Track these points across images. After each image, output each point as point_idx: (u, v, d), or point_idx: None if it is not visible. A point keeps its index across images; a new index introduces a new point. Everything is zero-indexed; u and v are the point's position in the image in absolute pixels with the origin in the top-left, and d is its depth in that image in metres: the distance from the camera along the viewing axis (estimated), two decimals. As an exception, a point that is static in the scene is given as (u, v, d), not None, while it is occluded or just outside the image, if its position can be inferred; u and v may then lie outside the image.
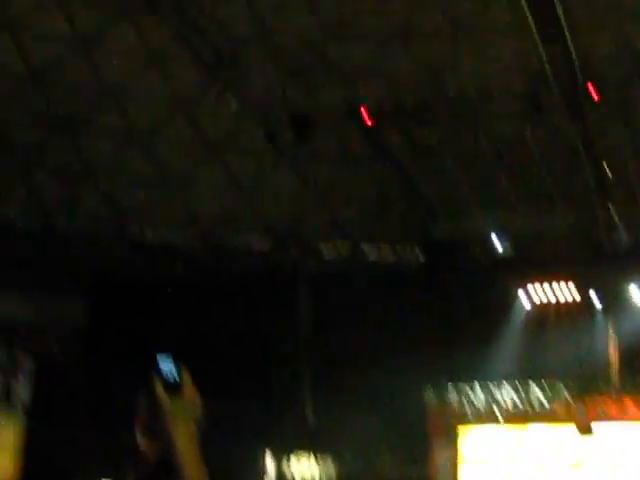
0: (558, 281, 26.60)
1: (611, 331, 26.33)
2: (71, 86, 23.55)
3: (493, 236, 26.05)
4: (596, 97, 19.32)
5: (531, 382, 25.78)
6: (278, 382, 25.69)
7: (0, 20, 22.18)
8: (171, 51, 23.40)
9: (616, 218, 25.19)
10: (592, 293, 26.58)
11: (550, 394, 25.87)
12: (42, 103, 23.33)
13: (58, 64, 23.47)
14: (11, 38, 22.38)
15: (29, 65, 23.19)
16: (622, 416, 25.77)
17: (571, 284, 26.72)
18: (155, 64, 24.07)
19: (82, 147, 24.45)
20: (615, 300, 26.48)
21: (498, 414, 26.31)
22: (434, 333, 25.37)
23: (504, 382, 25.85)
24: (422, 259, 26.99)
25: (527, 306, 26.79)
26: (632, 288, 26.53)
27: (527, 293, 26.32)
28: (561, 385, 25.75)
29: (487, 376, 25.58)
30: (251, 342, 25.37)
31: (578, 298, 26.78)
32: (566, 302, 26.87)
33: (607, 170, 22.87)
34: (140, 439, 4.09)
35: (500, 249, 26.40)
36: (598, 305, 26.66)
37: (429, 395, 26.53)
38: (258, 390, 25.08)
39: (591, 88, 19.25)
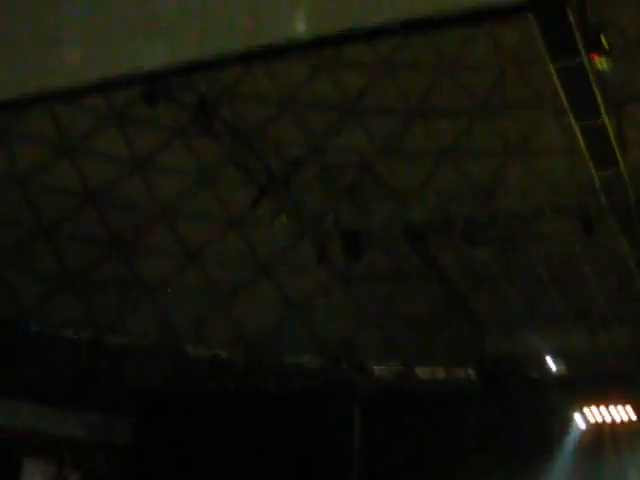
0: (614, 402, 26.03)
1: None
2: (127, 205, 24.11)
3: (547, 356, 25.68)
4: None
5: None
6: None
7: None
8: (224, 171, 23.87)
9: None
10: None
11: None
12: (98, 223, 23.87)
13: (115, 184, 24.10)
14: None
15: (87, 185, 23.83)
16: None
17: (628, 405, 26.14)
18: (209, 183, 24.61)
19: (136, 264, 24.83)
20: None
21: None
22: (488, 454, 24.84)
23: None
24: (475, 379, 26.66)
25: (582, 427, 26.17)
26: None
27: (583, 414, 25.73)
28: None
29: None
30: (299, 463, 24.99)
31: (634, 418, 26.17)
32: (622, 423, 26.24)
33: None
34: None
35: (554, 368, 26.00)
36: None
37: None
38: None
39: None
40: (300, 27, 6.12)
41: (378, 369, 26.86)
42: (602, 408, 25.70)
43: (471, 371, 26.83)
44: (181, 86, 18.20)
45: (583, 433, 26.36)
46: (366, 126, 25.09)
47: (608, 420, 26.06)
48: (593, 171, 17.40)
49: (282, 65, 23.21)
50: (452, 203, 24.18)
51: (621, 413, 26.12)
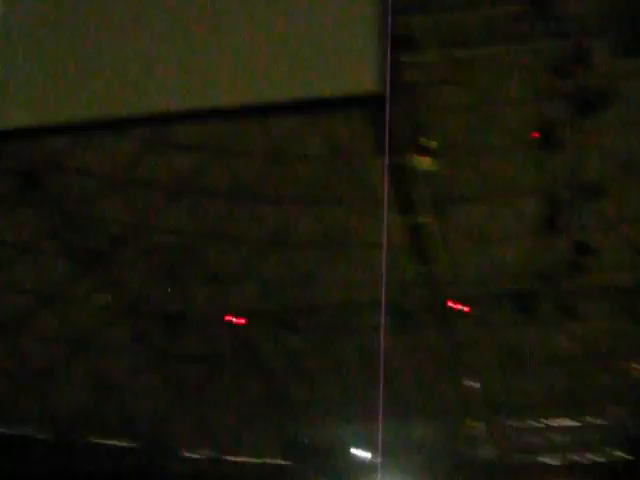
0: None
1: None
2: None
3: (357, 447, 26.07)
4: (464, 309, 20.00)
5: None
6: None
7: None
8: (43, 244, 23.20)
9: (480, 433, 25.58)
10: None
11: None
12: None
13: None
14: None
15: None
16: None
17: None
18: (27, 255, 23.82)
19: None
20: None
21: None
22: None
23: None
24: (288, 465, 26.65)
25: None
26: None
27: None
28: None
29: None
30: None
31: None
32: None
33: (472, 384, 23.38)
34: None
35: (363, 458, 26.34)
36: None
37: None
38: None
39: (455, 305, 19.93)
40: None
41: (190, 454, 26.42)
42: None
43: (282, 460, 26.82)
44: (6, 153, 17.73)
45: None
46: (191, 208, 24.98)
47: None
48: (413, 266, 17.96)
49: (112, 139, 22.89)
50: (273, 291, 24.31)
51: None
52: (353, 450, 26.46)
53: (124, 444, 25.47)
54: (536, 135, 15.04)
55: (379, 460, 23.42)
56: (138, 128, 22.60)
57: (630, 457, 26.40)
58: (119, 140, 23.09)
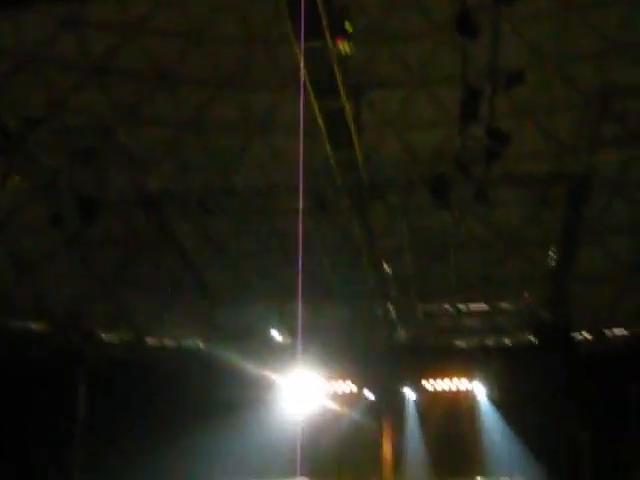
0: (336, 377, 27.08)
1: (385, 427, 26.96)
2: None
3: (272, 328, 26.50)
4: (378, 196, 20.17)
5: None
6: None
7: None
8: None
9: (394, 316, 26.12)
10: (367, 389, 27.22)
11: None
12: None
13: None
14: None
15: None
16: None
17: (348, 380, 27.25)
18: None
19: None
20: (390, 396, 27.21)
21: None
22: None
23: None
24: (204, 347, 26.99)
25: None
26: (406, 385, 27.44)
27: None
28: None
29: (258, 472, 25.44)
30: (23, 425, 24.34)
31: (355, 392, 27.34)
32: (344, 396, 27.31)
33: (387, 269, 23.75)
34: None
35: (279, 339, 26.81)
36: (373, 400, 27.27)
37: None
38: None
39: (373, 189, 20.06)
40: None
41: (107, 337, 26.54)
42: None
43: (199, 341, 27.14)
44: None
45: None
46: (107, 89, 24.52)
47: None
48: (330, 152, 17.97)
49: (27, 19, 22.20)
50: (191, 173, 24.21)
51: (343, 386, 27.13)
52: (271, 331, 26.87)
53: (40, 327, 25.43)
54: (455, 21, 14.97)
55: (297, 340, 23.88)
56: (53, 6, 22.01)
57: (538, 341, 27.29)
58: (33, 19, 22.44)
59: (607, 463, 24.65)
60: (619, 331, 26.36)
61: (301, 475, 24.13)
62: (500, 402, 26.85)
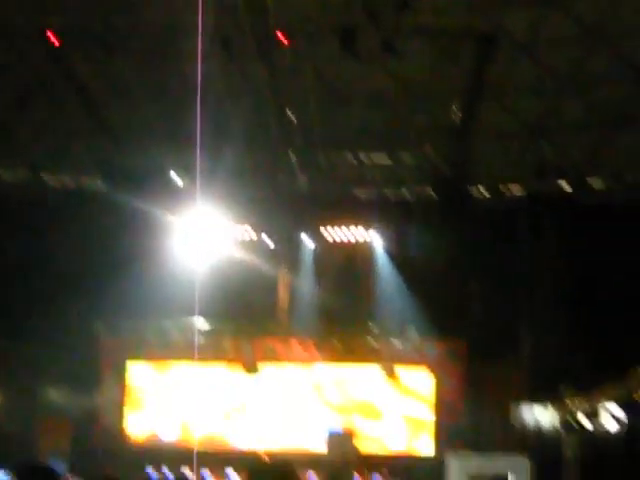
0: (237, 223, 27.18)
1: (282, 273, 27.33)
2: None
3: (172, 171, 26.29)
4: (285, 42, 19.78)
5: (204, 319, 26.29)
6: None
7: None
8: None
9: (295, 163, 26.11)
10: (266, 235, 27.42)
11: (219, 332, 26.52)
12: None
13: None
14: None
15: None
16: (288, 357, 27.03)
17: (248, 226, 27.41)
18: None
19: None
20: (288, 243, 27.50)
21: (168, 350, 26.66)
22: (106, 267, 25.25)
23: (175, 319, 26.19)
24: (105, 189, 26.71)
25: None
26: (305, 233, 27.74)
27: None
28: (230, 323, 26.47)
29: (159, 312, 25.70)
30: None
31: (254, 238, 27.52)
32: (242, 241, 27.51)
33: (291, 116, 23.58)
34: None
35: (180, 183, 26.62)
36: (272, 246, 27.53)
37: (101, 330, 26.42)
38: None
39: (280, 34, 19.66)
40: None
41: (5, 172, 26.09)
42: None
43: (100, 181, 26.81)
44: None
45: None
46: None
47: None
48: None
49: None
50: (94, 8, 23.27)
51: (241, 232, 27.30)
52: (170, 174, 26.69)
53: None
54: None
55: (197, 185, 23.76)
56: None
57: (437, 195, 27.75)
58: None
59: (495, 313, 25.60)
60: (516, 188, 26.95)
61: (199, 315, 24.54)
62: (396, 254, 27.42)
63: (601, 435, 19.90)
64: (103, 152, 26.20)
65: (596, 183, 25.93)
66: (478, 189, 27.42)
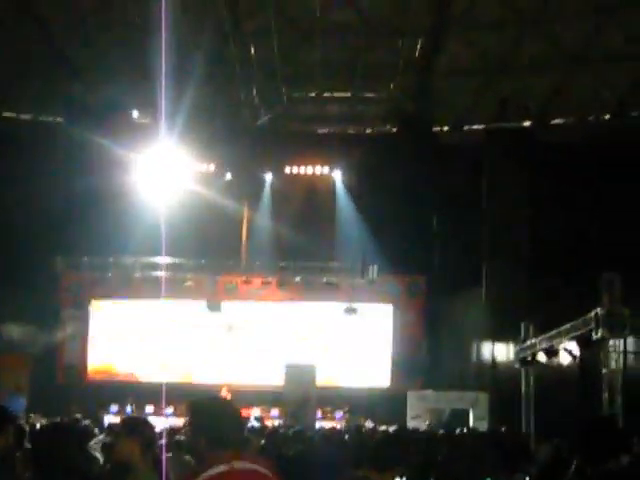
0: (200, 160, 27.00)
1: (245, 213, 27.27)
2: None
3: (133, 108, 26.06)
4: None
5: (166, 256, 26.22)
6: None
7: None
8: None
9: (257, 100, 25.92)
10: (228, 171, 27.29)
11: (181, 269, 26.49)
12: None
13: None
14: None
15: None
16: (249, 294, 27.10)
17: (211, 162, 27.24)
18: None
19: None
20: (251, 182, 27.39)
21: (130, 288, 26.61)
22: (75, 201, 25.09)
23: (137, 257, 26.08)
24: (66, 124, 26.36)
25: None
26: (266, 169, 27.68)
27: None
28: (192, 261, 26.42)
29: (121, 249, 25.54)
30: None
31: (216, 174, 27.36)
32: (204, 178, 27.33)
33: (252, 52, 23.36)
34: None
35: (142, 120, 26.35)
36: (233, 183, 27.39)
37: (62, 267, 26.26)
38: None
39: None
40: None
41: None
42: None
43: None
44: None
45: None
46: None
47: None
48: None
49: None
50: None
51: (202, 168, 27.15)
52: (133, 111, 26.40)
53: None
54: None
55: (160, 122, 23.55)
56: None
57: (398, 132, 27.75)
58: None
59: (457, 247, 25.77)
60: (477, 124, 26.98)
61: (165, 254, 24.51)
62: (357, 191, 27.41)
63: (556, 370, 20.25)
64: (63, 87, 25.77)
65: (556, 120, 26.04)
66: (440, 125, 27.43)
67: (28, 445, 7.79)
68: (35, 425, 15.48)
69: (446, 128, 27.40)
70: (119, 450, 6.91)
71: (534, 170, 24.87)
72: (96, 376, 27.03)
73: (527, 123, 26.04)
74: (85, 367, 27.11)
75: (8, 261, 24.11)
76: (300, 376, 23.59)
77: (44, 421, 17.63)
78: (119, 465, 6.60)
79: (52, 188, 24.30)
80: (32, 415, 20.80)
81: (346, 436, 15.58)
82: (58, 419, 17.26)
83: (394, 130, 28.09)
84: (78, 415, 19.69)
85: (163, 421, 22.71)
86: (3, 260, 24.11)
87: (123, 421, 8.05)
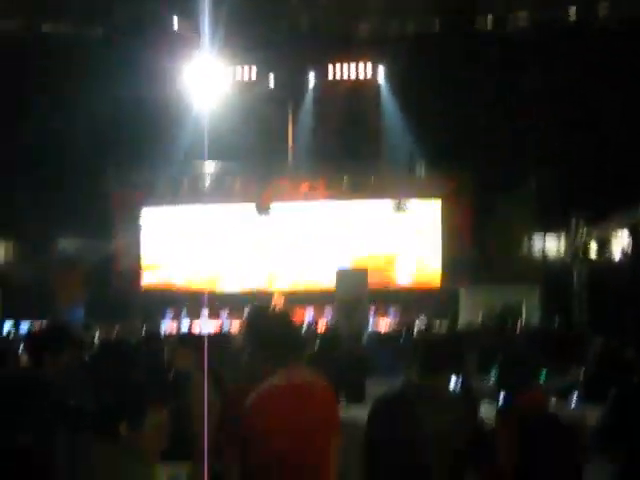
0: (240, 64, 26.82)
1: (290, 116, 27.15)
2: None
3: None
4: None
5: (212, 162, 26.33)
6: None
7: None
8: None
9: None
10: (272, 76, 27.11)
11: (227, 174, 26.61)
12: None
13: None
14: None
15: None
16: (297, 196, 27.16)
17: (253, 67, 27.05)
18: None
19: None
20: (294, 85, 27.19)
21: (178, 197, 26.84)
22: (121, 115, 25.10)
23: (183, 165, 26.22)
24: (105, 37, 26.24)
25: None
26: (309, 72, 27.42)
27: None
28: (238, 166, 26.49)
29: (169, 157, 25.61)
30: None
31: (258, 79, 27.21)
32: (246, 83, 27.22)
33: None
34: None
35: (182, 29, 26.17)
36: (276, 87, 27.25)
37: (113, 181, 26.48)
38: None
39: None
40: None
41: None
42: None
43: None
44: None
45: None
46: None
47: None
48: None
49: None
50: None
51: (245, 74, 26.98)
52: (172, 19, 26.15)
53: None
54: None
55: (201, 30, 23.30)
56: None
57: (441, 26, 27.22)
58: None
59: (503, 146, 25.46)
60: (522, 18, 26.36)
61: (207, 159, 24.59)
62: (401, 90, 27.09)
63: (607, 263, 20.20)
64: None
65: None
66: (484, 19, 26.84)
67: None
68: (94, 337, 15.93)
69: (490, 22, 26.78)
70: (177, 360, 7.26)
71: (579, 64, 24.23)
72: (151, 282, 27.40)
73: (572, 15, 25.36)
74: (139, 275, 27.46)
75: (60, 180, 24.37)
76: (352, 280, 23.62)
77: (102, 331, 18.01)
78: (180, 373, 6.87)
79: (98, 103, 24.27)
80: (90, 325, 21.20)
81: (400, 338, 15.66)
82: (115, 328, 17.75)
83: (437, 26, 27.53)
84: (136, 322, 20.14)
85: (218, 324, 23.20)
86: (57, 180, 24.35)
87: (178, 335, 8.35)
